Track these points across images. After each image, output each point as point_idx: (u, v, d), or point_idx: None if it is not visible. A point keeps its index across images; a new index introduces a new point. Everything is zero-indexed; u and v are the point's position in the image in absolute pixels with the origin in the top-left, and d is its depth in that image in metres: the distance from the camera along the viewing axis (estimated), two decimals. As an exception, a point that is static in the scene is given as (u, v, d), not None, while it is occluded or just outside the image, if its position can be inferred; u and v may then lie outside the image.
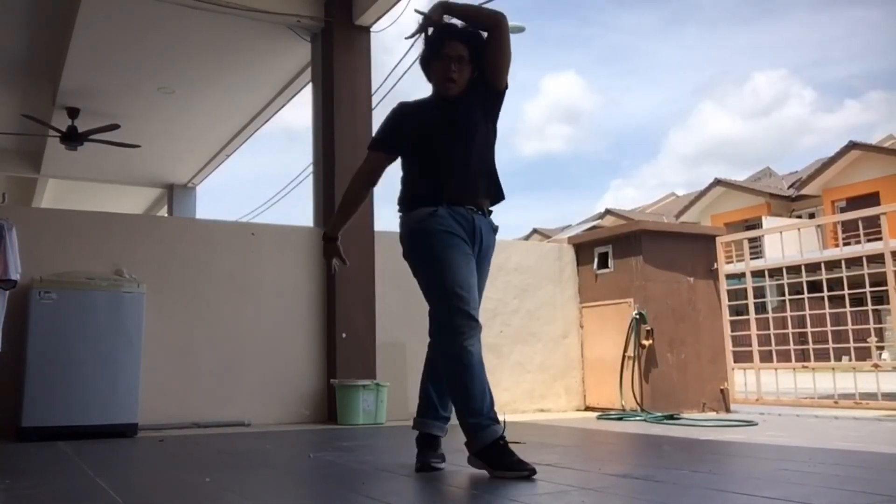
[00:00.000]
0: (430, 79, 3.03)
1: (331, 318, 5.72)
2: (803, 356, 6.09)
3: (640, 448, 3.97)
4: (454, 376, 2.74)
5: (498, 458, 2.65)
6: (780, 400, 6.02)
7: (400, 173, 3.03)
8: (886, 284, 5.26)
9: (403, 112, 3.05)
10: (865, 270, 5.45)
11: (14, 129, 8.84)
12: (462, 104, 2.97)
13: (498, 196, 3.03)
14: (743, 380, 6.50)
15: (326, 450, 3.76)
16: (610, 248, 6.40)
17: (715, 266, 6.34)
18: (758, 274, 6.66)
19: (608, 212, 32.98)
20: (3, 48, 7.15)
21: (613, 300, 6.27)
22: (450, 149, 2.91)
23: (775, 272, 6.79)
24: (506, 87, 3.01)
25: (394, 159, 3.05)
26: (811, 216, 26.27)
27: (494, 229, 3.01)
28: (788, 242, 6.41)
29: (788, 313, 6.15)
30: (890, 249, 5.21)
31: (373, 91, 6.36)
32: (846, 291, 5.61)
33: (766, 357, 6.22)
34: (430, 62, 2.99)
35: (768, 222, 23.79)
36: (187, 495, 2.50)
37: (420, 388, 3.03)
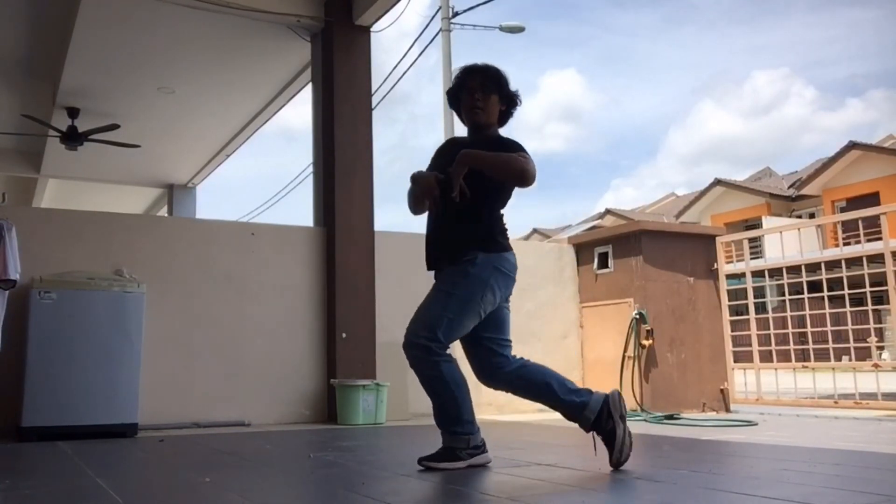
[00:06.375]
0: (460, 116, 3.07)
1: (331, 318, 5.72)
2: (803, 356, 6.09)
3: (640, 448, 3.94)
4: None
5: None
6: (780, 400, 6.01)
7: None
8: (886, 284, 5.26)
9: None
10: (865, 270, 5.45)
11: (14, 129, 8.84)
12: None
13: None
14: (743, 380, 6.50)
15: (326, 450, 3.76)
16: (610, 248, 6.40)
17: (715, 266, 6.34)
18: (758, 274, 6.66)
19: (608, 212, 32.97)
20: (3, 48, 7.15)
21: (613, 300, 6.26)
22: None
23: (775, 272, 6.79)
24: None
25: None
26: (811, 216, 26.25)
27: None
28: (788, 242, 6.40)
29: (788, 313, 6.14)
30: (890, 249, 5.21)
31: (373, 91, 6.37)
32: (846, 291, 5.61)
33: (766, 357, 6.21)
34: (459, 99, 3.03)
35: (768, 222, 23.76)
36: (187, 495, 2.50)
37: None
